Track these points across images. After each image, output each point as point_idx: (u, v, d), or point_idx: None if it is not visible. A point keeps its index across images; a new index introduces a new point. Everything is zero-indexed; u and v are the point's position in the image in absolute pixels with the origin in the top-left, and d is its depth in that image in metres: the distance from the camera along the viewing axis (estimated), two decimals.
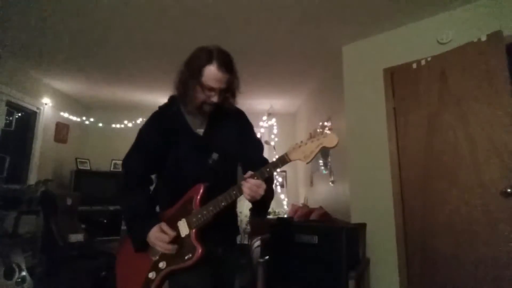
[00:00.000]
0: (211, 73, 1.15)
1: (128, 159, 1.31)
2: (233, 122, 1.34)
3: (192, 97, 1.20)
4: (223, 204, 1.15)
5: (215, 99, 1.19)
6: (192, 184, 1.21)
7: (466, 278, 2.12)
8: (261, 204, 1.20)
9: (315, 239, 2.14)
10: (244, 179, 1.13)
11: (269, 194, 1.20)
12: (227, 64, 1.18)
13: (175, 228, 1.18)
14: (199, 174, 1.23)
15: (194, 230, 1.16)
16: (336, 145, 1.11)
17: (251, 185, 1.10)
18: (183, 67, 1.22)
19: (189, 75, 1.18)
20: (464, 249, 2.15)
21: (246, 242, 4.97)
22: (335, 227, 2.26)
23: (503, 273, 1.95)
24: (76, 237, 3.38)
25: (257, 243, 3.37)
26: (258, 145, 1.38)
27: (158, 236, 1.16)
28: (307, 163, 1.13)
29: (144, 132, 1.31)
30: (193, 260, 1.13)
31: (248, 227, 4.99)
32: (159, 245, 1.16)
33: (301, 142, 1.14)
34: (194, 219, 1.17)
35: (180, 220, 1.19)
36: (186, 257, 1.14)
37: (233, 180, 1.29)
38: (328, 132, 1.14)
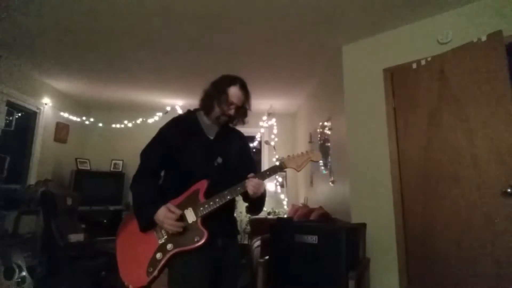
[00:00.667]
0: (234, 91, 1.47)
1: (146, 151, 1.50)
2: (237, 139, 1.61)
3: (215, 109, 1.48)
4: (228, 197, 1.36)
5: (232, 112, 1.48)
6: (197, 180, 1.39)
7: (466, 278, 2.12)
8: (258, 201, 1.46)
9: (315, 239, 2.14)
10: (248, 178, 1.37)
11: (265, 194, 1.48)
12: (245, 88, 1.52)
13: (181, 216, 1.34)
14: (205, 172, 1.42)
15: (200, 218, 1.34)
16: (319, 160, 1.61)
17: (254, 183, 1.35)
18: (210, 87, 1.52)
19: (216, 92, 1.48)
20: (464, 249, 2.15)
21: (246, 242, 4.97)
22: (335, 227, 2.26)
23: (503, 273, 1.95)
24: (76, 237, 3.38)
25: (257, 243, 3.37)
26: (253, 162, 1.67)
27: (166, 215, 1.31)
28: (298, 171, 1.51)
29: (164, 130, 1.52)
30: (202, 242, 1.29)
31: (248, 227, 4.99)
32: (167, 223, 1.30)
33: (293, 154, 1.49)
34: (201, 208, 1.35)
35: (187, 209, 1.36)
36: (195, 239, 1.31)
37: (231, 184, 1.39)
38: (315, 150, 1.56)
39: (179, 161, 1.44)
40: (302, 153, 1.49)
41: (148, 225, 1.36)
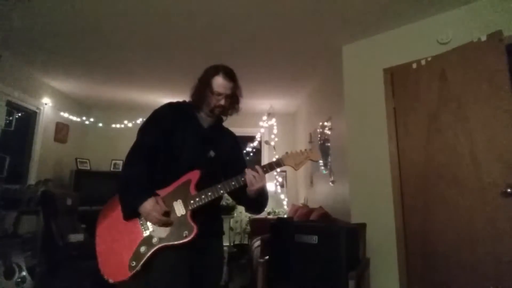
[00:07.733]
0: (218, 81, 1.42)
1: (143, 129, 1.43)
2: (230, 137, 1.59)
3: (205, 103, 1.45)
4: (221, 191, 1.31)
5: (222, 102, 1.44)
6: (187, 168, 1.34)
7: (466, 278, 2.12)
8: (258, 198, 1.40)
9: (315, 239, 2.14)
10: (250, 168, 1.33)
11: (265, 191, 1.43)
12: (230, 74, 1.46)
13: (170, 206, 1.28)
14: (197, 163, 1.37)
15: (189, 211, 1.28)
16: (318, 160, 1.53)
17: (256, 174, 1.31)
18: (197, 82, 1.50)
19: (202, 86, 1.45)
20: (464, 249, 2.15)
21: (246, 242, 4.97)
22: (335, 227, 2.26)
23: (503, 273, 1.95)
24: (76, 237, 3.37)
25: (257, 243, 3.37)
26: (245, 164, 1.59)
27: (154, 206, 1.23)
28: (296, 170, 1.45)
29: (159, 111, 1.47)
30: (191, 237, 1.23)
31: (248, 227, 4.99)
32: (153, 215, 1.23)
33: (292, 152, 1.44)
34: (191, 201, 1.29)
35: (176, 200, 1.30)
36: (184, 234, 1.23)
37: (221, 180, 1.36)
38: (314, 149, 1.54)
39: (170, 144, 1.37)
40: (301, 151, 1.44)
41: (133, 213, 1.27)
